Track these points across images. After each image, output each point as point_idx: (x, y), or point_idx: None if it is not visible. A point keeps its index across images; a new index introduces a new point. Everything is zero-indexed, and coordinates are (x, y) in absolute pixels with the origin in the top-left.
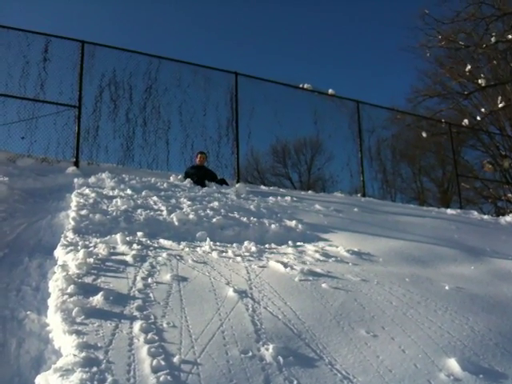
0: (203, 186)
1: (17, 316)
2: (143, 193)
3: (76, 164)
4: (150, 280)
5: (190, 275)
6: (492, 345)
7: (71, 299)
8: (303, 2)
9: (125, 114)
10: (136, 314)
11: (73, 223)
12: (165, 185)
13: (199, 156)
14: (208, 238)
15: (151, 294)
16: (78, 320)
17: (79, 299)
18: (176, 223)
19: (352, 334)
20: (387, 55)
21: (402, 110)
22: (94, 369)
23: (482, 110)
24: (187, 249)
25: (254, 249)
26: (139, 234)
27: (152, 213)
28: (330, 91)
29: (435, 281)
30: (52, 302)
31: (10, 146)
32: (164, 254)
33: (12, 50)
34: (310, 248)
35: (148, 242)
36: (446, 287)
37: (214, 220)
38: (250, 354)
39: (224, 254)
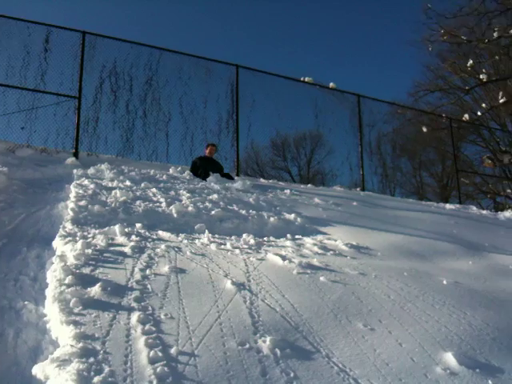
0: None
1: (14, 306)
2: (142, 184)
3: (75, 155)
4: (148, 271)
5: (189, 267)
6: (489, 339)
7: (69, 290)
8: None
9: (125, 105)
10: (134, 305)
11: (71, 214)
12: (164, 177)
13: (209, 147)
14: (207, 230)
15: (149, 286)
16: (76, 310)
17: (77, 290)
18: (175, 215)
19: (349, 327)
20: (389, 49)
21: (402, 105)
22: (91, 359)
23: (483, 105)
24: (186, 241)
25: (252, 241)
26: (138, 225)
27: (151, 204)
28: (331, 84)
29: (433, 275)
30: (50, 293)
31: (9, 136)
32: (162, 246)
33: (13, 40)
34: (308, 241)
35: (147, 233)
36: (444, 282)
37: (213, 212)
38: (248, 346)
39: (222, 246)
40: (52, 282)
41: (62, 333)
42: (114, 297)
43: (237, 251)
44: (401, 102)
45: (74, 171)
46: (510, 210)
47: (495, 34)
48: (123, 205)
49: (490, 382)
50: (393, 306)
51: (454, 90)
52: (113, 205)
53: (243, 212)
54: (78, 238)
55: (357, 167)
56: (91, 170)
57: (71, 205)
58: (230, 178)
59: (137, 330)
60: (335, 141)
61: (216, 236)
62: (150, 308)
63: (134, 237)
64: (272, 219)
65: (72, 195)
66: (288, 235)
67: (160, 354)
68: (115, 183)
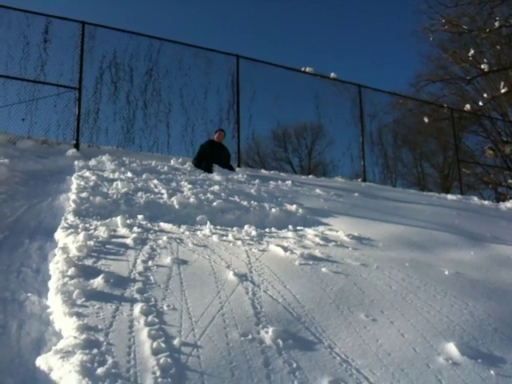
0: (210, 171)
1: (17, 298)
2: (144, 176)
3: (76, 146)
4: (150, 263)
5: (191, 258)
6: (491, 330)
7: (72, 281)
8: None
9: (125, 96)
10: (136, 296)
11: (73, 206)
12: (165, 168)
13: (218, 132)
14: (208, 222)
15: (151, 277)
16: (79, 302)
17: (80, 281)
18: (176, 206)
19: (351, 318)
20: (390, 40)
21: (404, 95)
22: (95, 351)
23: (485, 95)
24: (187, 232)
25: (254, 233)
26: (140, 217)
27: (152, 196)
28: (332, 75)
29: (435, 266)
30: (52, 284)
31: (10, 127)
32: (164, 237)
33: (12, 30)
34: (310, 232)
35: (148, 225)
36: (446, 272)
37: (215, 204)
38: (250, 336)
39: (224, 237)
40: (55, 274)
41: (66, 324)
42: (117, 288)
43: (239, 242)
44: (402, 92)
45: (75, 163)
46: (511, 201)
47: (496, 24)
48: (125, 196)
49: (492, 372)
50: (394, 296)
51: (456, 80)
52: (114, 196)
53: (245, 203)
54: (80, 230)
55: (358, 158)
56: (92, 162)
57: (73, 196)
58: (231, 169)
59: (140, 321)
60: (336, 131)
61: (218, 227)
62: (152, 299)
63: (135, 228)
64: (273, 210)
65: (73, 187)
66: (290, 226)
67: (163, 345)
68: (116, 175)
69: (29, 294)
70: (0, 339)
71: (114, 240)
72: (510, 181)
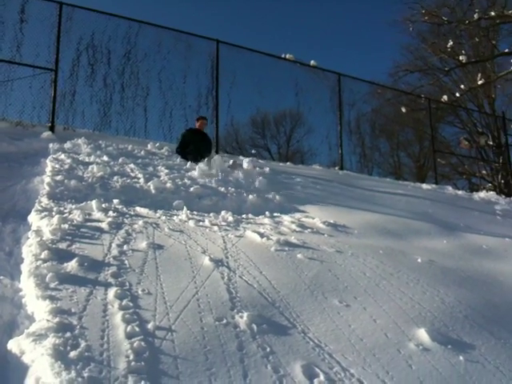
0: (196, 159)
1: None
2: (120, 160)
3: (51, 129)
4: (125, 247)
5: (166, 243)
6: (461, 317)
7: (45, 265)
8: None
9: (102, 78)
10: (111, 280)
11: (47, 189)
12: (142, 152)
13: (200, 121)
14: (185, 207)
15: (126, 261)
16: (52, 285)
17: (53, 265)
18: (153, 191)
19: (325, 304)
20: (370, 29)
21: (382, 85)
22: (68, 334)
23: (462, 86)
24: (164, 217)
25: (230, 219)
26: (115, 201)
27: (129, 180)
28: (312, 62)
29: (408, 253)
30: (25, 268)
31: None
32: (140, 222)
33: None
34: (286, 219)
35: (124, 209)
36: (419, 260)
37: (192, 189)
38: (225, 321)
39: (201, 223)
40: (28, 257)
41: (38, 308)
42: (91, 272)
43: (215, 228)
44: (381, 82)
45: (50, 145)
46: (484, 191)
47: (476, 16)
48: (100, 180)
49: (461, 357)
50: (368, 283)
51: (434, 71)
52: (90, 180)
53: (222, 189)
54: (54, 213)
55: (336, 146)
56: (68, 145)
57: (47, 179)
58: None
59: (114, 305)
60: (315, 120)
61: (194, 213)
62: (127, 283)
63: (111, 212)
64: (251, 197)
65: (48, 170)
66: (266, 213)
67: (137, 329)
68: (92, 158)
69: (1, 277)
70: None
71: (88, 224)
72: (483, 171)
